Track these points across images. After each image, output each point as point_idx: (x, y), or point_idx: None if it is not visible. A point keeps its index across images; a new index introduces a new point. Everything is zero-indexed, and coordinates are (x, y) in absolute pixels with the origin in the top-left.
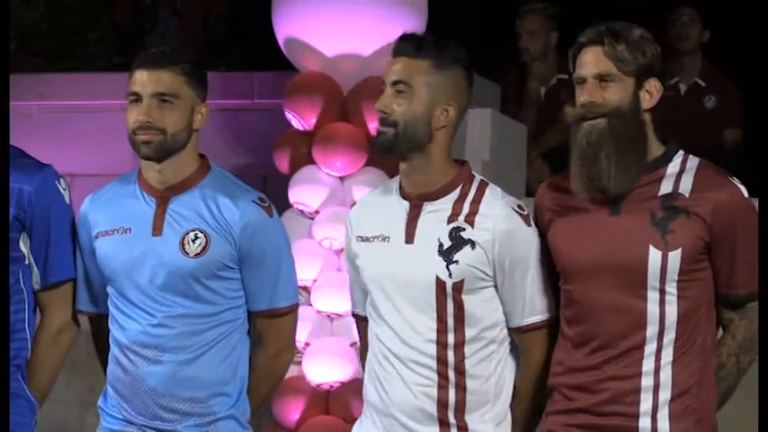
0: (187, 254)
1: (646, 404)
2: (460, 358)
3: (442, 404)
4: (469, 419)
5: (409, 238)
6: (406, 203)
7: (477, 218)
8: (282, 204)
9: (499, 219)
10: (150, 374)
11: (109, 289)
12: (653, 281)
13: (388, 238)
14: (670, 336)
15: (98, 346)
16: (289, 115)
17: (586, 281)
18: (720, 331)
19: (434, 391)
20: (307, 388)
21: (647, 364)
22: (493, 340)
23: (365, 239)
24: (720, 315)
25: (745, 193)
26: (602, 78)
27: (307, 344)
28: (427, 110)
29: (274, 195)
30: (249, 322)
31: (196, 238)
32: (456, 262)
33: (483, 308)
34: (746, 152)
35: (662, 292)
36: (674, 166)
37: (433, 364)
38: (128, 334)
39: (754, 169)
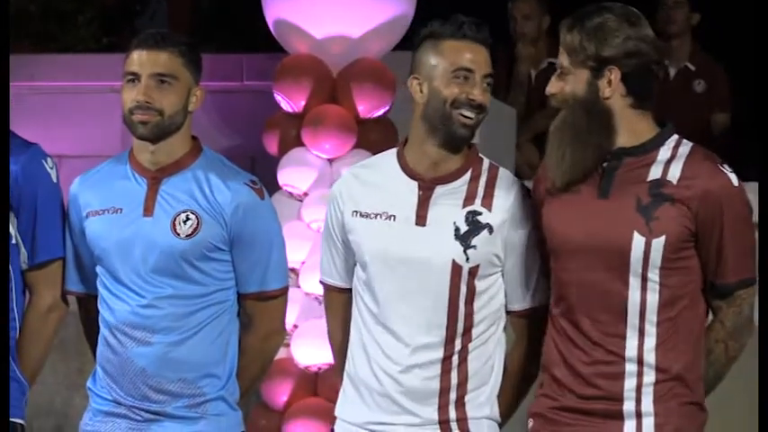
0: (178, 235)
1: (630, 388)
2: (466, 342)
3: (444, 387)
4: (468, 402)
5: (420, 221)
6: (414, 184)
7: (494, 201)
8: (271, 186)
9: (515, 203)
10: (140, 355)
11: (98, 269)
12: (636, 267)
13: (394, 216)
14: (652, 321)
15: (87, 327)
16: (278, 97)
17: (573, 261)
18: (710, 317)
19: (437, 374)
20: (295, 370)
21: (630, 349)
22: (494, 323)
23: (364, 215)
24: (709, 302)
25: (735, 182)
26: (560, 70)
27: (295, 326)
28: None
29: (263, 177)
30: (239, 304)
31: (187, 219)
32: (474, 247)
33: (490, 291)
34: (734, 136)
35: (644, 278)
36: (665, 151)
37: (441, 347)
38: (117, 315)
39: (746, 153)
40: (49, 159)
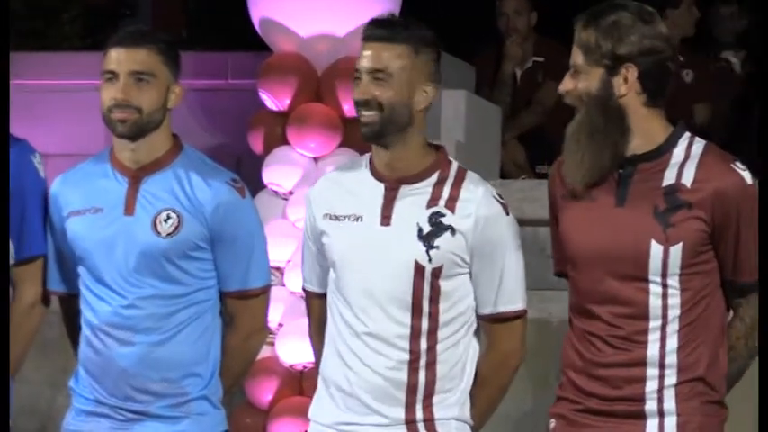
0: (159, 234)
1: (651, 389)
2: (433, 343)
3: (411, 389)
4: (436, 403)
5: (385, 221)
6: (381, 185)
7: (458, 204)
8: (256, 185)
9: (481, 206)
10: (122, 356)
11: (80, 269)
12: (654, 275)
13: (361, 218)
14: (674, 326)
15: (69, 327)
16: (263, 96)
17: (591, 270)
18: (730, 313)
19: (404, 375)
20: (280, 369)
21: (652, 352)
22: (463, 325)
23: (334, 218)
24: (728, 299)
25: (749, 180)
26: (574, 67)
27: (280, 324)
28: (408, 93)
29: (248, 176)
30: (221, 303)
31: (168, 218)
32: (437, 247)
33: (457, 293)
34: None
35: (664, 285)
36: (678, 153)
37: (406, 347)
38: (99, 315)
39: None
40: (37, 155)
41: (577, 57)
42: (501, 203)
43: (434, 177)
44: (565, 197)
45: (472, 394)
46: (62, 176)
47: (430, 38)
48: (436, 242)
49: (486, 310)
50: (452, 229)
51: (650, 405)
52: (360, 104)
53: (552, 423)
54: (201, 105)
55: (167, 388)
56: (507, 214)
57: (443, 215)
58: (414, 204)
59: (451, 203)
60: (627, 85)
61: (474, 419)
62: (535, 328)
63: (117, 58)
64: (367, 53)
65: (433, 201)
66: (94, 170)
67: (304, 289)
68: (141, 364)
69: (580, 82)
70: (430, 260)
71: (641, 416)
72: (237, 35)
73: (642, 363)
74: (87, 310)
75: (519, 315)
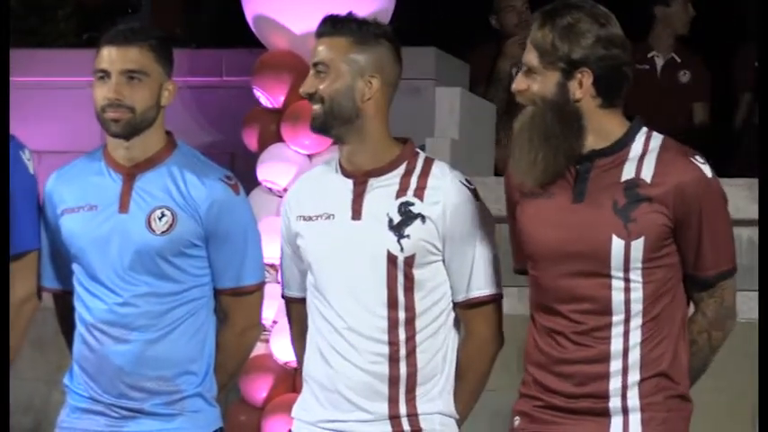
0: (153, 231)
1: (615, 386)
2: (411, 334)
3: (393, 381)
4: (419, 396)
5: (356, 215)
6: (350, 181)
7: (426, 192)
8: (250, 182)
9: (449, 192)
10: (117, 353)
11: (74, 266)
12: (616, 270)
13: (333, 215)
14: (637, 320)
15: (63, 324)
16: (257, 93)
17: (551, 267)
18: (692, 308)
19: (385, 368)
20: (274, 366)
21: (615, 348)
22: (441, 314)
23: (307, 218)
24: (690, 293)
25: (709, 174)
26: (528, 68)
27: (274, 322)
28: (349, 84)
29: (242, 173)
30: (215, 300)
31: (162, 215)
32: (407, 236)
33: (432, 282)
34: (714, 127)
35: (626, 280)
36: (636, 147)
37: (385, 339)
38: (93, 313)
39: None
40: (26, 151)
41: (532, 57)
42: (470, 189)
43: (401, 169)
44: (523, 194)
45: (454, 385)
46: (56, 173)
47: (380, 31)
48: (407, 231)
49: (460, 297)
50: (422, 217)
51: (614, 402)
52: (308, 98)
53: (516, 420)
54: (196, 102)
55: (162, 385)
56: (477, 199)
57: (412, 204)
58: (382, 196)
59: (420, 192)
60: (582, 90)
61: (457, 411)
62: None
63: (109, 56)
64: (314, 49)
65: (401, 191)
66: (89, 167)
67: (284, 296)
68: (136, 361)
69: (535, 83)
70: (402, 249)
71: (605, 413)
72: (231, 32)
73: (605, 359)
74: (82, 308)
75: (492, 300)
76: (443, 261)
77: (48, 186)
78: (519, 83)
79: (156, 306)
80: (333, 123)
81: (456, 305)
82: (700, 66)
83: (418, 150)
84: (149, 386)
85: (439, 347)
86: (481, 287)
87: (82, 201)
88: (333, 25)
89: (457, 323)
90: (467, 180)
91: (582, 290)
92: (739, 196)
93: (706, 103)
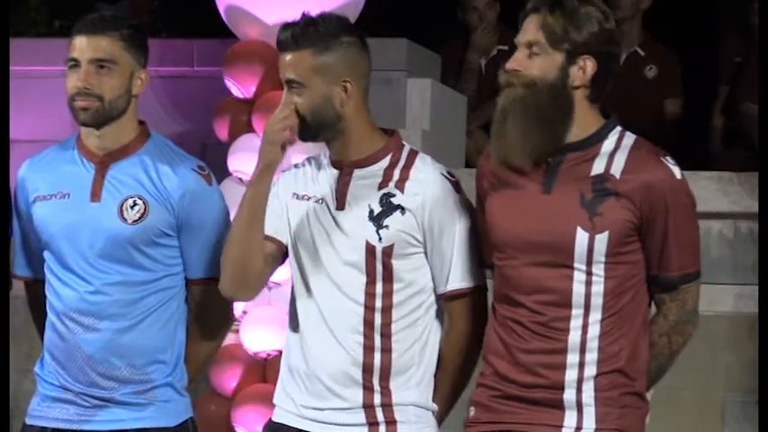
0: (125, 220)
1: (571, 378)
2: (387, 322)
3: (367, 369)
4: (393, 386)
5: (340, 205)
6: (336, 171)
7: (407, 184)
8: (222, 172)
9: (429, 184)
10: (87, 342)
11: (46, 254)
12: (579, 262)
13: (322, 200)
14: (596, 315)
15: (34, 312)
16: (228, 83)
17: (516, 257)
18: (653, 309)
19: (360, 356)
20: (244, 356)
21: (573, 340)
22: (420, 305)
23: (300, 197)
24: (653, 295)
25: (678, 175)
26: (531, 48)
27: (244, 312)
28: (325, 94)
29: (213, 163)
30: (187, 290)
31: (135, 204)
32: (386, 227)
33: (412, 273)
34: (687, 123)
35: (588, 273)
36: (609, 144)
37: (361, 327)
38: (65, 301)
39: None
40: None
41: (539, 36)
42: (451, 181)
43: (386, 161)
44: (493, 185)
45: (436, 378)
46: (29, 161)
47: (341, 28)
48: (386, 222)
49: (441, 289)
50: (402, 209)
51: (569, 394)
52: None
53: (472, 411)
54: (167, 92)
55: (132, 374)
56: (458, 192)
57: (393, 195)
58: (366, 187)
59: (401, 184)
60: (582, 77)
61: (438, 404)
62: None
63: (79, 45)
64: (282, 63)
65: (384, 183)
66: (62, 156)
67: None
68: (106, 350)
69: (535, 64)
70: (380, 239)
71: (560, 406)
72: (203, 22)
73: (563, 350)
74: (53, 296)
75: (471, 292)
76: (425, 253)
77: (20, 174)
78: (521, 61)
79: (128, 295)
80: (318, 132)
81: (439, 297)
82: (668, 60)
83: (404, 143)
84: (119, 375)
85: (417, 338)
86: (460, 279)
87: (54, 189)
88: (294, 39)
89: (441, 316)
90: (449, 172)
91: (546, 281)
92: (709, 189)
93: (677, 100)
